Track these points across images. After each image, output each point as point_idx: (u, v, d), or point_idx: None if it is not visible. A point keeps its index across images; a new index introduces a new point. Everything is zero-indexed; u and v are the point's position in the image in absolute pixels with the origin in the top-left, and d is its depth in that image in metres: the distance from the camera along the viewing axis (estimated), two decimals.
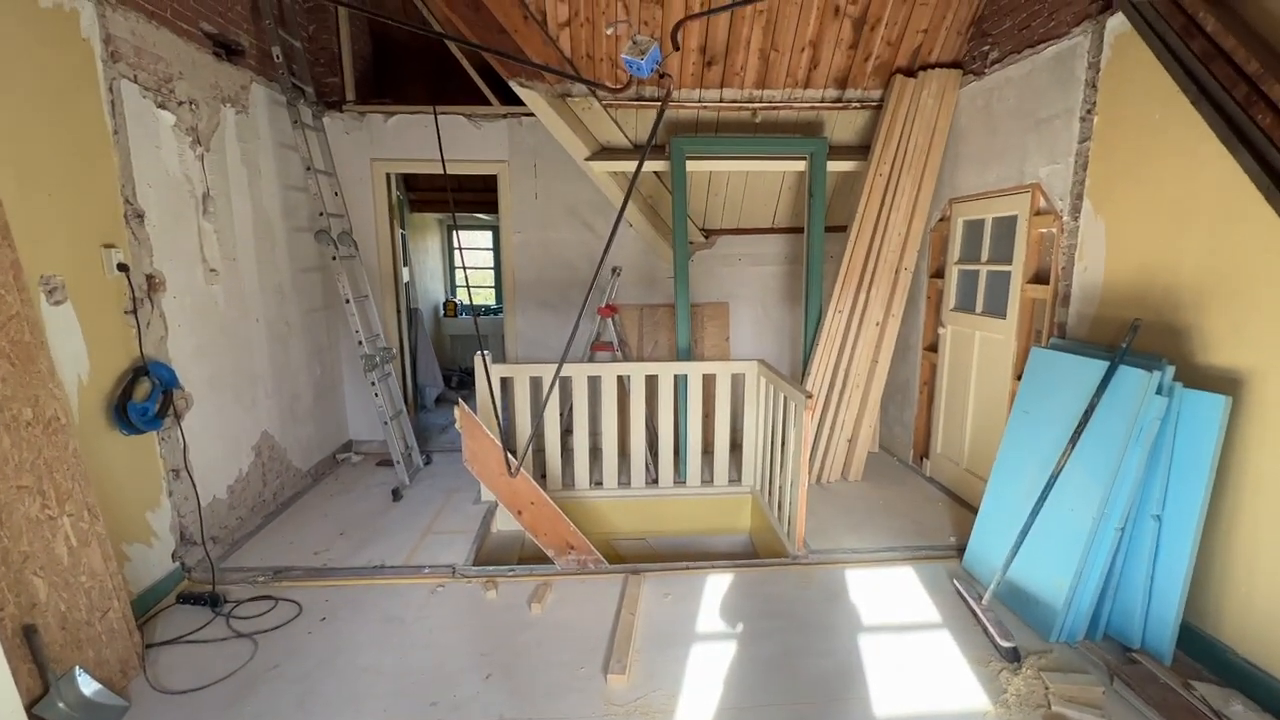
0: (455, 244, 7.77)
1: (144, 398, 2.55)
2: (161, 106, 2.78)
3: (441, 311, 7.29)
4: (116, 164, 2.52)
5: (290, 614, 2.60)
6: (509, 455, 2.74)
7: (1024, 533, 2.50)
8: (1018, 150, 3.22)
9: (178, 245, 2.86)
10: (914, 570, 2.94)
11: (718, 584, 2.83)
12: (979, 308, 3.60)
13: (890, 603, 2.68)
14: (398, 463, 3.97)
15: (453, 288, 7.79)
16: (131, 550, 2.55)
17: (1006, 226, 3.35)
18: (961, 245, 3.80)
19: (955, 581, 2.76)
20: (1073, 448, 2.43)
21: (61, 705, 1.91)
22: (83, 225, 2.37)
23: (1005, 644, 2.30)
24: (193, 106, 2.98)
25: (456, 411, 2.90)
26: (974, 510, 3.51)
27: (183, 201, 2.91)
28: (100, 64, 2.45)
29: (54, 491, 2.04)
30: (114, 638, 2.18)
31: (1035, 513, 2.48)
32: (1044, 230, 3.09)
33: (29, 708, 1.83)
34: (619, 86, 1.85)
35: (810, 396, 2.91)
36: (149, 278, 2.68)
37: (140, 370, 2.55)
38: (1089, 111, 2.75)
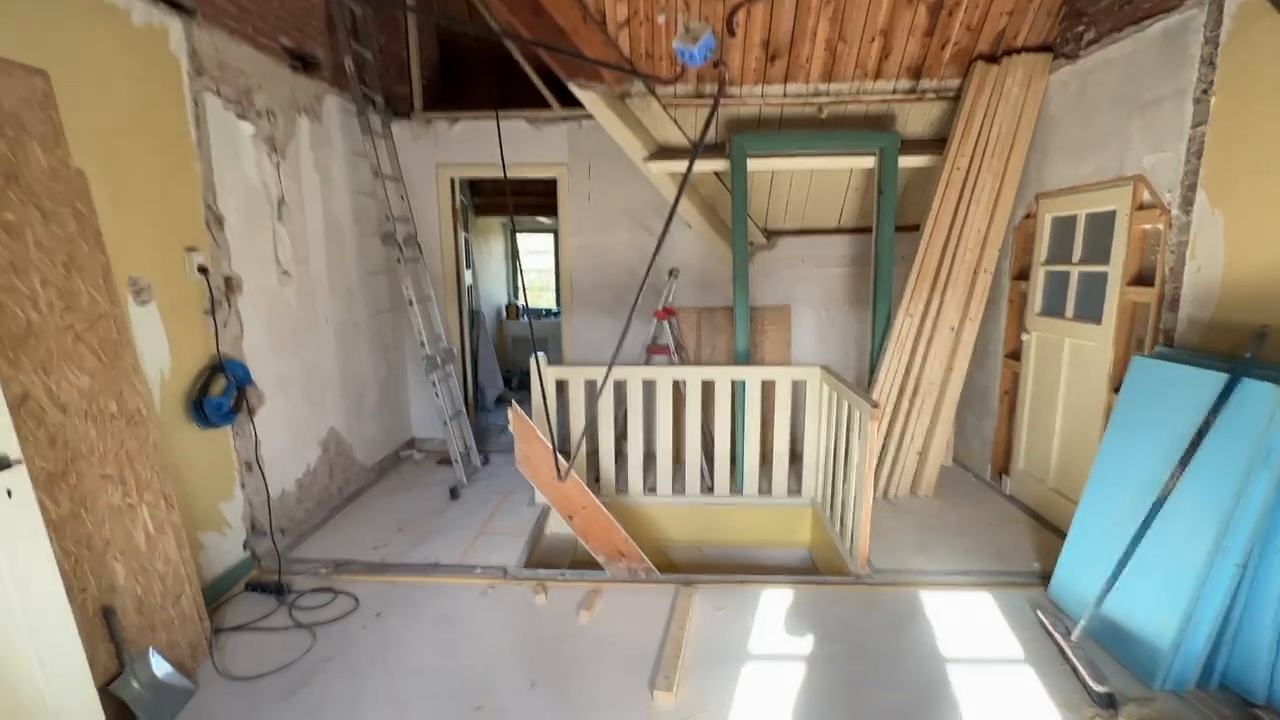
0: (503, 246, 7.91)
1: (220, 393, 2.68)
2: (241, 117, 2.92)
3: (504, 314, 7.44)
4: (199, 172, 2.67)
5: (348, 607, 2.66)
6: (559, 458, 2.71)
7: (1122, 564, 2.24)
8: (1118, 139, 2.91)
9: (254, 249, 3.01)
10: (991, 597, 2.70)
11: (774, 600, 2.70)
12: (1069, 312, 3.29)
13: (965, 632, 2.47)
14: (456, 462, 4.03)
15: (515, 290, 7.94)
16: (205, 538, 2.69)
17: (1103, 223, 3.04)
18: (1049, 244, 3.49)
19: (1039, 613, 2.51)
20: (1183, 470, 2.15)
21: (135, 685, 2.01)
22: (168, 230, 2.52)
23: (1099, 688, 2.06)
24: (270, 117, 3.12)
25: (510, 413, 2.90)
26: (1060, 534, 3.22)
27: (259, 207, 3.05)
28: (186, 78, 2.60)
29: (134, 481, 2.15)
30: (185, 622, 2.29)
31: (1136, 542, 2.22)
32: (1148, 226, 2.78)
33: (105, 685, 1.93)
34: (672, 77, 1.75)
35: (876, 405, 2.73)
36: (227, 279, 2.82)
37: (217, 367, 2.68)
38: (1204, 92, 2.44)
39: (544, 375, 3.51)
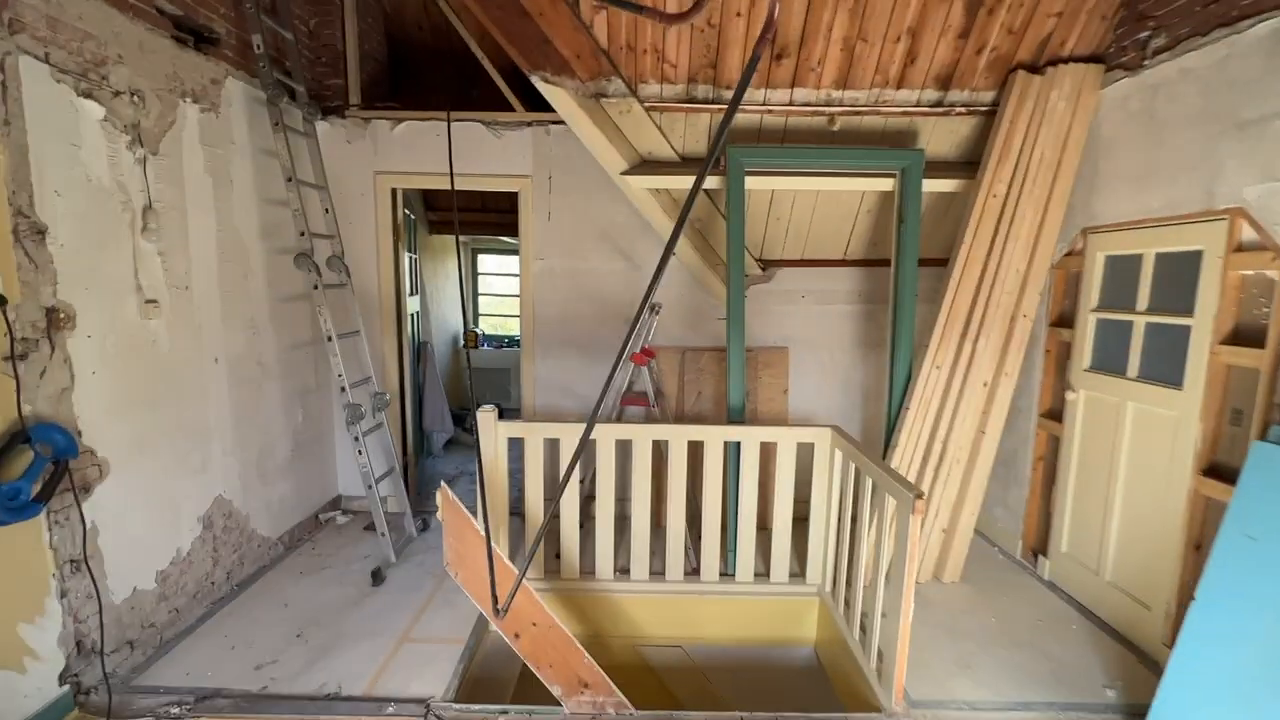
0: (463, 268, 7.20)
1: (19, 476, 1.90)
2: (87, 95, 2.19)
3: (461, 342, 6.68)
4: (3, 163, 1.91)
5: None
6: (497, 589, 1.97)
7: None
8: (1204, 164, 2.38)
9: (100, 270, 2.25)
10: None
11: None
12: (1133, 370, 2.73)
13: None
14: (383, 536, 3.26)
15: (475, 316, 7.19)
16: None
17: (1182, 265, 2.50)
18: (1102, 287, 2.95)
19: None
20: None
21: None
22: None
23: None
24: (136, 99, 2.39)
25: (438, 496, 2.18)
26: (1126, 642, 2.64)
27: (111, 215, 2.30)
28: None
29: None
30: None
31: None
32: (1249, 272, 2.24)
33: None
34: (682, 11, 1.09)
35: (921, 496, 2.09)
36: (49, 312, 2.06)
37: (17, 437, 1.91)
38: None
39: (495, 434, 2.80)
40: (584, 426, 2.93)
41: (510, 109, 3.72)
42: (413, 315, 4.45)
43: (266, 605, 2.88)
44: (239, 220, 3.02)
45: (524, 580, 2.13)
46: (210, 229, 2.82)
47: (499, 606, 1.81)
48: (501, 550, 2.98)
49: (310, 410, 3.67)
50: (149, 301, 2.45)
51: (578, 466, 3.08)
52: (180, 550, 2.66)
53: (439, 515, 2.21)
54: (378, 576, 3.10)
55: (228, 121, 2.92)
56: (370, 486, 3.24)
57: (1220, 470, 2.35)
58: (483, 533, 2.10)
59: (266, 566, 3.23)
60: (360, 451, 3.19)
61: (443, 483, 2.17)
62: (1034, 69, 2.97)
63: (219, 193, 2.87)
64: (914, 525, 2.10)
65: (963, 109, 3.12)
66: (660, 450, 3.22)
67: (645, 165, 3.34)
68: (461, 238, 6.54)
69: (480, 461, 2.02)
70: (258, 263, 3.17)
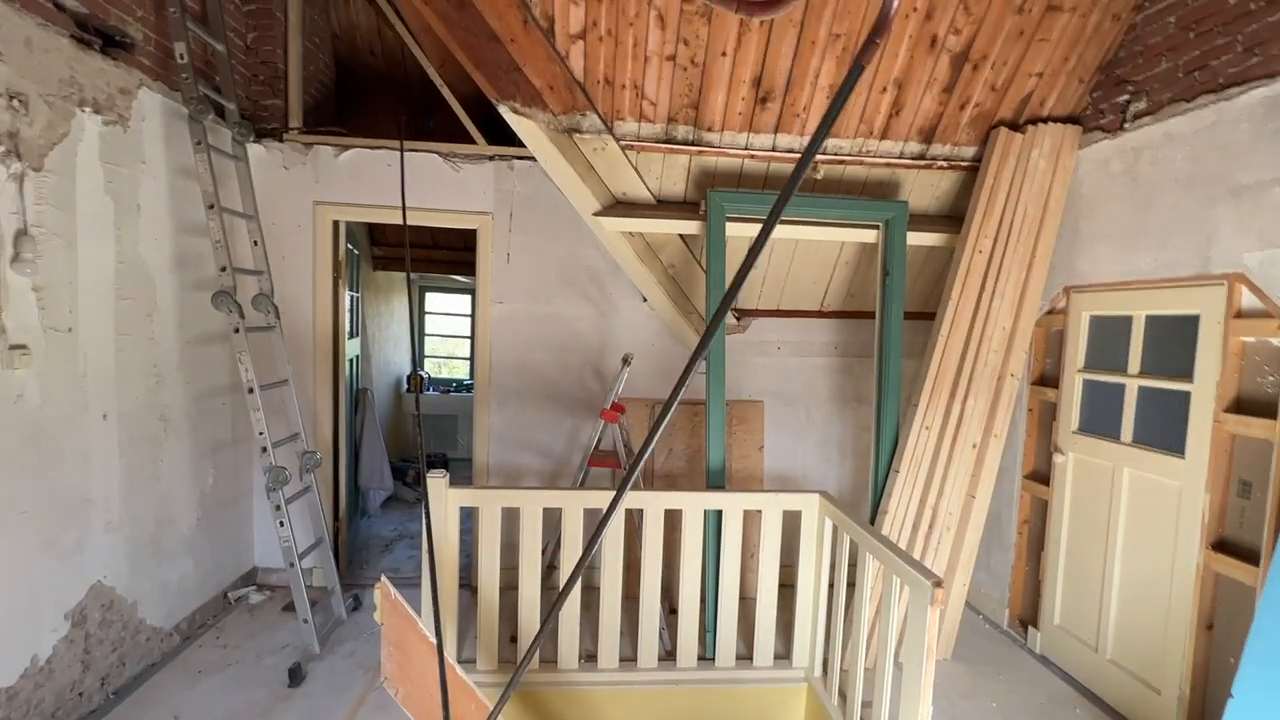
0: (414, 309, 6.77)
1: None
2: None
3: (405, 386, 6.18)
4: None
5: None
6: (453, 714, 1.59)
7: None
8: (1197, 228, 2.34)
9: None
10: None
11: None
12: (1127, 434, 2.64)
13: None
14: (305, 622, 2.77)
15: (421, 358, 6.72)
16: None
17: (1176, 329, 2.44)
18: (1088, 347, 2.88)
19: None
20: None
21: None
22: None
23: None
24: (16, 103, 1.98)
25: (376, 594, 1.78)
26: None
27: None
28: None
29: None
30: None
31: None
32: (1251, 339, 2.17)
33: None
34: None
35: (940, 584, 1.85)
36: None
37: None
38: None
39: (445, 502, 2.42)
40: (547, 493, 2.60)
41: (470, 141, 3.45)
42: (352, 360, 4.01)
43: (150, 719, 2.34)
44: (146, 251, 2.58)
45: (480, 687, 1.75)
46: (107, 260, 2.38)
47: None
48: (450, 635, 2.56)
49: (224, 469, 3.16)
50: (15, 347, 1.99)
51: (546, 552, 2.74)
52: (37, 658, 2.11)
53: (376, 617, 1.81)
54: (296, 675, 2.60)
55: (138, 137, 2.51)
56: (292, 564, 2.75)
57: (1229, 545, 2.24)
58: (434, 641, 1.71)
59: (156, 665, 2.67)
60: (282, 523, 2.72)
61: (383, 578, 1.77)
62: (1015, 126, 2.95)
63: (122, 219, 2.44)
64: (931, 617, 1.86)
65: (944, 163, 3.06)
66: (633, 520, 2.89)
67: (619, 206, 3.11)
68: (413, 275, 6.13)
69: (430, 550, 1.65)
70: (167, 299, 2.72)
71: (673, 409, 0.83)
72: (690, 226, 3.09)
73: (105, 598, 2.41)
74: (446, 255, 5.44)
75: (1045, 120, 2.93)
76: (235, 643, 2.89)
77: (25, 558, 2.06)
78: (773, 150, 2.98)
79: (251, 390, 2.69)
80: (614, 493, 2.62)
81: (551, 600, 2.70)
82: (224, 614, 3.14)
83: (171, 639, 2.80)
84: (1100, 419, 2.79)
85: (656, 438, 0.86)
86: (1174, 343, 2.44)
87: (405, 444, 6.08)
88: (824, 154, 3.01)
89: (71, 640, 2.25)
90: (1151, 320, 2.57)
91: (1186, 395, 2.36)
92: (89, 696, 2.34)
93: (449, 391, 6.33)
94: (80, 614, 2.29)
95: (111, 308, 2.40)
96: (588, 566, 2.91)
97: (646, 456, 0.90)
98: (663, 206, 3.16)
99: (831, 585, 2.57)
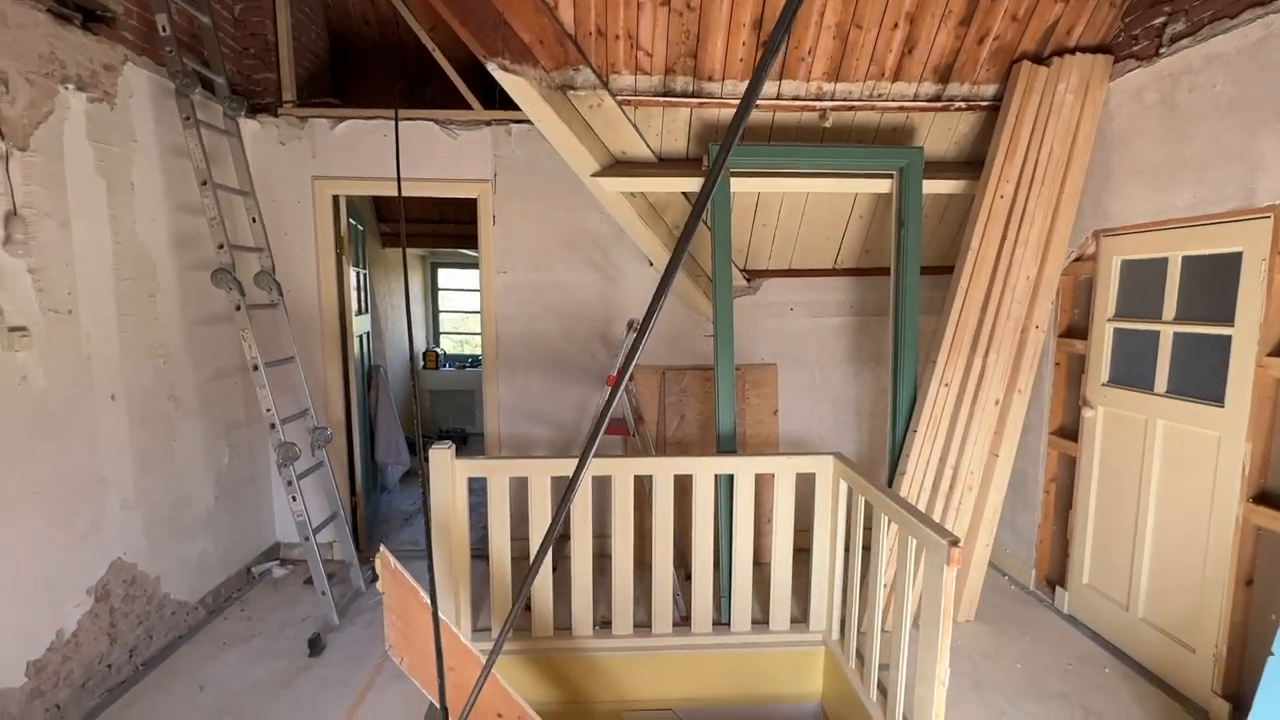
0: (409, 282, 6.75)
1: None
2: None
3: (420, 364, 6.21)
4: None
5: None
6: (454, 678, 1.57)
7: None
8: (1240, 158, 2.16)
9: None
10: None
11: None
12: (1162, 384, 2.49)
13: None
14: (324, 594, 2.81)
15: (435, 335, 6.73)
16: None
17: (1216, 269, 2.27)
18: (1119, 295, 2.72)
19: None
20: None
21: None
22: None
23: None
24: None
25: (378, 563, 1.77)
26: (1167, 688, 2.37)
27: None
28: None
29: None
30: None
31: None
32: None
33: None
34: None
35: (957, 543, 1.78)
36: None
37: None
38: None
39: (451, 474, 2.40)
40: (553, 462, 2.56)
41: (467, 107, 3.35)
42: (362, 336, 4.01)
43: (176, 691, 2.40)
44: (143, 231, 2.57)
45: (495, 677, 1.73)
46: (104, 241, 2.37)
47: (452, 710, 1.41)
48: (464, 604, 2.57)
49: (240, 447, 3.20)
50: (14, 329, 1.99)
51: (548, 504, 2.72)
52: (63, 632, 2.17)
53: (379, 585, 1.80)
54: (316, 645, 2.65)
55: (127, 115, 2.48)
56: (307, 538, 2.78)
57: (1270, 498, 2.11)
58: (430, 607, 1.70)
59: (183, 637, 2.74)
60: (294, 498, 2.75)
61: (383, 547, 1.76)
62: (1039, 60, 2.75)
63: (116, 198, 2.43)
64: (948, 576, 1.79)
65: (963, 104, 2.87)
66: (643, 486, 2.85)
67: (619, 166, 3.00)
68: (419, 251, 6.11)
69: (429, 521, 1.63)
70: (169, 280, 2.72)
71: (643, 347, 0.75)
72: (693, 184, 2.97)
73: (127, 574, 2.46)
74: (454, 229, 5.39)
75: (1072, 51, 2.72)
76: (258, 615, 2.95)
77: (41, 536, 2.10)
78: (777, 98, 2.83)
79: (256, 367, 2.69)
80: (622, 459, 2.58)
81: (565, 569, 2.69)
82: (248, 588, 3.21)
83: (197, 612, 2.87)
84: (1132, 370, 2.64)
85: (627, 376, 0.79)
86: (1213, 285, 2.28)
87: (424, 420, 6.13)
88: (833, 100, 2.85)
89: (96, 614, 2.31)
90: (1189, 261, 2.40)
91: (1227, 340, 2.20)
92: (118, 668, 2.41)
93: (464, 367, 6.34)
94: (103, 589, 2.34)
95: (112, 288, 2.40)
96: (598, 536, 2.90)
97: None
98: (664, 164, 3.04)
99: (848, 548, 2.50)
